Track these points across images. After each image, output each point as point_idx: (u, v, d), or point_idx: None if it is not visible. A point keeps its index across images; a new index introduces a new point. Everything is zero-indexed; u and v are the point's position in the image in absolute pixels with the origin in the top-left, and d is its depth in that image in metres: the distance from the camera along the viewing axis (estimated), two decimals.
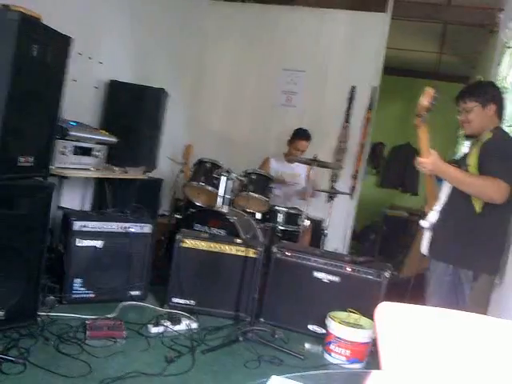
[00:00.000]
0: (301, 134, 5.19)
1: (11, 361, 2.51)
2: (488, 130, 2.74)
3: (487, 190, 2.56)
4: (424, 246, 2.93)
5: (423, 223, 2.91)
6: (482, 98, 2.75)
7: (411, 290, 3.15)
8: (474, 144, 2.82)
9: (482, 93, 2.79)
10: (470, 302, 2.78)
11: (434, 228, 2.86)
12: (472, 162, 2.69)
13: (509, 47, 3.91)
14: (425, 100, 2.64)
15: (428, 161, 2.67)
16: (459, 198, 2.71)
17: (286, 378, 1.13)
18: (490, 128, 2.75)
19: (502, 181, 2.53)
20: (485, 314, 3.00)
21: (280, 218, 4.71)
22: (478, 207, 2.66)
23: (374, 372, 1.43)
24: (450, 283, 2.72)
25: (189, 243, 3.71)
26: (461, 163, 2.84)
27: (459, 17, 5.64)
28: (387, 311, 1.28)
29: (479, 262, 2.73)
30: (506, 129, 3.20)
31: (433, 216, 2.87)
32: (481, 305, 3.09)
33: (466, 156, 2.90)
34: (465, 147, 5.67)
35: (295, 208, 4.94)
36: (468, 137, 2.96)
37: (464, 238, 2.71)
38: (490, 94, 2.80)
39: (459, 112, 2.85)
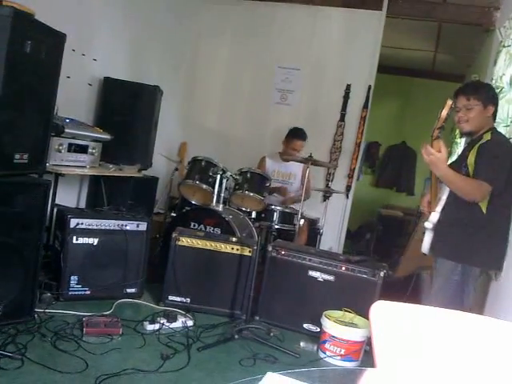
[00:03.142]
0: (297, 134, 5.19)
1: (9, 356, 2.52)
2: (486, 131, 2.79)
3: (470, 192, 2.66)
4: (425, 246, 2.96)
5: (427, 224, 2.94)
6: (484, 98, 2.77)
7: (406, 290, 3.18)
8: (472, 144, 2.83)
9: (484, 93, 2.81)
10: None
11: (438, 228, 2.89)
12: (471, 162, 2.74)
13: (505, 46, 3.91)
14: (445, 112, 2.61)
15: (433, 157, 2.59)
16: (464, 199, 2.74)
17: (281, 374, 1.14)
18: (486, 128, 2.80)
19: (486, 183, 2.61)
20: (482, 310, 3.04)
21: (275, 216, 4.72)
22: (483, 207, 2.71)
23: (368, 370, 1.44)
24: (457, 282, 2.76)
25: (184, 241, 3.72)
26: (459, 163, 2.87)
27: (455, 15, 5.65)
28: (382, 310, 1.29)
29: (487, 259, 2.80)
30: (502, 129, 3.24)
31: (434, 217, 2.91)
32: (477, 303, 3.12)
33: (462, 156, 2.94)
34: (460, 147, 5.68)
35: (290, 207, 4.95)
36: (464, 135, 2.98)
37: (472, 237, 2.76)
38: (491, 95, 2.85)
39: (457, 108, 2.81)
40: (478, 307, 3.06)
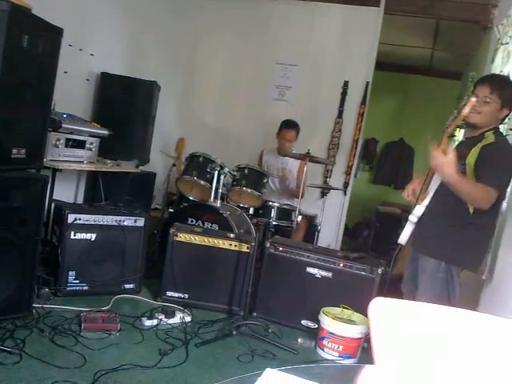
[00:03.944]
0: (287, 124, 5.17)
1: (7, 351, 2.52)
2: (488, 129, 2.69)
3: (479, 198, 2.56)
4: (404, 237, 2.92)
5: (411, 218, 2.91)
6: (505, 99, 2.64)
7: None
8: (473, 143, 2.73)
9: (508, 94, 2.66)
10: (459, 300, 2.79)
11: (422, 223, 2.86)
12: (470, 162, 2.66)
13: (502, 43, 3.91)
14: (467, 109, 2.51)
15: (442, 159, 2.45)
16: (452, 197, 2.66)
17: (280, 370, 1.13)
18: (490, 127, 2.70)
19: (493, 189, 2.53)
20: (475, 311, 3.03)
21: (273, 213, 4.72)
22: (471, 208, 2.65)
23: (367, 366, 1.44)
24: (442, 280, 2.73)
25: (182, 237, 3.72)
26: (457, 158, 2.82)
27: (452, 12, 5.63)
28: (381, 307, 1.29)
29: (468, 258, 2.76)
30: (500, 126, 3.19)
31: (419, 210, 2.87)
32: (469, 304, 3.12)
33: (460, 152, 2.86)
34: (456, 142, 5.66)
35: (288, 204, 4.95)
36: (466, 125, 2.84)
37: (457, 236, 2.72)
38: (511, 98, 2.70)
39: (475, 95, 2.65)
40: (471, 308, 3.06)
